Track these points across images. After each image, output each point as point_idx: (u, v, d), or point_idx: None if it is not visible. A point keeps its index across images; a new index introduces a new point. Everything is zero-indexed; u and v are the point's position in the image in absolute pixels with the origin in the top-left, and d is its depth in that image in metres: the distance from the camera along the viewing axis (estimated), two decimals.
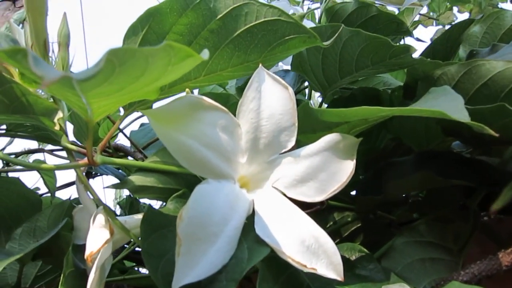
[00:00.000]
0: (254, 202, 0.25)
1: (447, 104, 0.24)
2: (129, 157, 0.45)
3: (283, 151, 0.26)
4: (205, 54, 0.17)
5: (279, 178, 0.26)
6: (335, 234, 0.38)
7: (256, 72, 0.26)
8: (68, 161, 0.46)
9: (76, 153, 0.31)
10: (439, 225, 0.33)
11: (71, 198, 0.59)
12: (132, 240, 0.30)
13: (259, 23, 0.28)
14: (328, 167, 0.26)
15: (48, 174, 0.52)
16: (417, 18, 1.03)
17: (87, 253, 0.24)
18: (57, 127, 0.27)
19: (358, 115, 0.27)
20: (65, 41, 0.30)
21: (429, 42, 0.44)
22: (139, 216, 0.31)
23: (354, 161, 0.26)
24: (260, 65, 0.27)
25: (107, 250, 0.27)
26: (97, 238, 0.25)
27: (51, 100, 0.30)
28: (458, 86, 0.31)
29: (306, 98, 0.56)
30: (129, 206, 0.67)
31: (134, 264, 0.54)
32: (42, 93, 0.28)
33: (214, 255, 0.22)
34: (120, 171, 0.48)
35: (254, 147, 0.26)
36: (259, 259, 0.22)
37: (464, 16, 1.23)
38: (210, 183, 0.24)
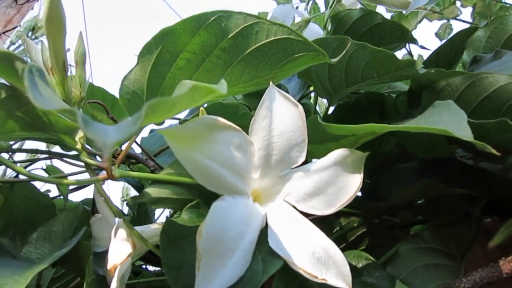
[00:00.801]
0: (267, 215, 0.26)
1: (451, 120, 0.25)
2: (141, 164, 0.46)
3: (294, 166, 0.27)
4: (223, 87, 0.18)
5: (290, 192, 0.27)
6: (341, 239, 0.40)
7: (267, 91, 0.27)
8: (81, 169, 0.47)
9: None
10: (443, 231, 0.34)
11: (83, 200, 0.61)
12: None
13: (269, 41, 0.29)
14: (337, 181, 0.27)
15: None
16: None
17: (111, 265, 0.26)
18: (78, 146, 0.28)
19: (365, 130, 0.28)
20: (82, 60, 0.31)
21: (432, 49, 0.44)
22: (156, 226, 0.33)
23: (362, 175, 0.28)
24: (271, 83, 0.28)
25: (127, 261, 0.28)
26: (119, 251, 0.26)
27: None
28: (461, 98, 0.32)
29: (312, 102, 0.57)
30: (138, 206, 0.68)
31: (142, 263, 0.56)
32: None
33: (231, 268, 0.23)
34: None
35: (267, 163, 0.27)
36: (274, 271, 0.24)
37: (468, 10, 1.22)
38: (226, 200, 0.25)
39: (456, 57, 0.44)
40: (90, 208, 0.54)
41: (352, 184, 0.27)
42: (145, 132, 0.61)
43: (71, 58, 0.32)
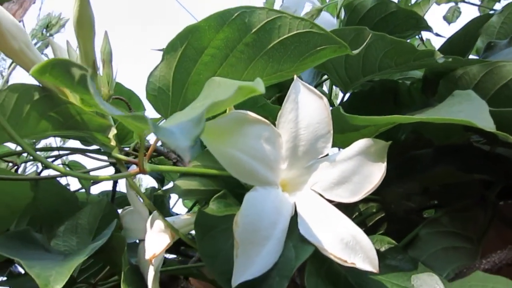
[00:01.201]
0: (296, 204, 0.27)
1: (472, 110, 0.26)
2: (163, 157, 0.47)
3: (320, 156, 0.28)
4: (261, 86, 0.19)
5: (316, 181, 0.28)
6: (360, 224, 0.41)
7: (292, 84, 0.28)
8: (103, 163, 0.49)
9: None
10: (460, 215, 0.35)
11: (101, 192, 0.63)
12: None
13: (291, 35, 0.30)
14: (362, 170, 0.28)
15: None
16: None
17: (150, 254, 0.27)
18: (113, 143, 0.29)
19: (389, 121, 0.29)
20: (108, 58, 0.32)
21: (446, 36, 0.45)
22: (185, 217, 0.34)
23: (385, 163, 0.29)
24: (295, 77, 0.29)
25: (162, 252, 0.30)
26: (158, 241, 0.28)
27: None
28: (479, 86, 0.33)
29: (325, 90, 0.57)
30: (154, 197, 0.70)
31: None
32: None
33: (266, 255, 0.25)
34: None
35: (294, 154, 0.28)
36: (306, 257, 0.25)
37: None
38: (258, 191, 0.26)
39: (470, 44, 0.44)
40: (109, 199, 0.56)
41: (376, 173, 0.28)
42: None
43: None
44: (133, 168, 0.32)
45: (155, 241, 0.28)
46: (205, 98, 0.23)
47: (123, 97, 0.43)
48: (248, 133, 0.26)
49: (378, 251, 0.32)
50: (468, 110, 0.26)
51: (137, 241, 0.39)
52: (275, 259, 0.25)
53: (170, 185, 0.64)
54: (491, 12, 0.50)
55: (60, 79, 0.17)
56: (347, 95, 0.50)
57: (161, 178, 0.52)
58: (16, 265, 0.54)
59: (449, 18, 1.01)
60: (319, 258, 0.29)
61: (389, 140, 0.30)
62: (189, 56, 0.31)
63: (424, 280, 0.27)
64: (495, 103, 0.32)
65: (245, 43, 0.31)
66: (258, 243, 0.24)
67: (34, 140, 0.51)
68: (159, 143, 0.49)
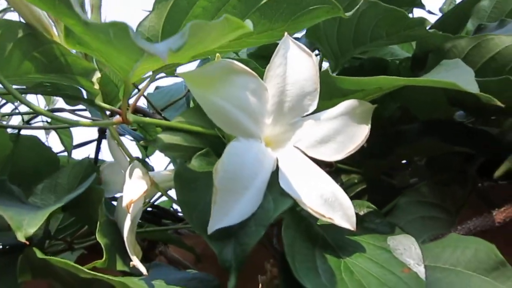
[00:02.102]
0: (278, 159, 0.27)
1: (458, 76, 0.26)
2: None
3: (305, 114, 0.28)
4: (250, 25, 0.19)
5: (300, 139, 0.28)
6: None
7: (282, 40, 0.28)
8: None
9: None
10: (440, 187, 0.36)
11: (82, 159, 0.62)
12: None
13: None
14: (346, 130, 0.28)
15: (65, 133, 0.54)
16: None
17: (127, 201, 0.27)
18: (96, 87, 0.28)
19: (376, 84, 0.29)
20: (97, 4, 0.31)
21: (439, 14, 0.45)
22: (166, 172, 0.34)
23: (369, 125, 0.29)
24: (286, 33, 0.28)
25: (140, 200, 0.29)
26: (136, 188, 0.27)
27: None
28: (466, 59, 0.33)
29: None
30: None
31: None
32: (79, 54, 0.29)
33: (244, 204, 0.24)
34: (135, 132, 0.50)
35: (279, 110, 0.28)
36: (284, 209, 0.25)
37: None
38: (241, 141, 0.26)
39: (461, 25, 0.45)
40: None
41: (359, 134, 0.28)
42: (150, 89, 0.61)
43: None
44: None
45: (133, 187, 0.27)
46: None
47: None
48: (234, 82, 0.25)
49: (357, 215, 0.33)
50: (455, 76, 0.27)
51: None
52: (253, 209, 0.25)
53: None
54: None
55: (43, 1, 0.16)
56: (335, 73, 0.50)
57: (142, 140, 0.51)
58: None
59: (444, 11, 1.02)
60: (298, 216, 0.29)
61: (375, 114, 0.30)
62: (181, 7, 0.30)
63: (400, 241, 0.28)
64: (482, 75, 0.32)
65: None
66: (237, 191, 0.24)
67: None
68: (145, 103, 0.48)
